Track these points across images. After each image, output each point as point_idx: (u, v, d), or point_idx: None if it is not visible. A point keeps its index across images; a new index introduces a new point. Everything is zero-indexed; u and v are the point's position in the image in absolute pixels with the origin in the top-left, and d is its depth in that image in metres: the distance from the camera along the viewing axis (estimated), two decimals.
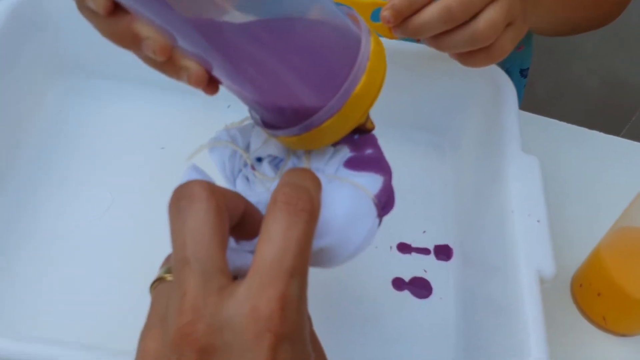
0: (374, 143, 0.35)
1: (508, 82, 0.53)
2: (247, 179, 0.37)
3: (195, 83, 0.31)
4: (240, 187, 0.36)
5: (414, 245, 0.52)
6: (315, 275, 0.51)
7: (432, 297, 0.49)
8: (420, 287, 0.49)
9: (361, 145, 0.34)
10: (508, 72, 0.70)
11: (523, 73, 0.73)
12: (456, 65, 0.54)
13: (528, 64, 0.74)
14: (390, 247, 0.51)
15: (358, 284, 0.49)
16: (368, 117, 0.34)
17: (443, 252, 0.52)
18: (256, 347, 0.23)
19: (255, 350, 0.23)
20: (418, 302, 0.49)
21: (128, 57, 0.57)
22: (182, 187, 0.26)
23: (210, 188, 0.25)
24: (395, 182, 0.43)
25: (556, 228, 0.48)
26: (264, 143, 0.37)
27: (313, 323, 0.29)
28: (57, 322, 0.45)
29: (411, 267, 0.51)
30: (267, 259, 0.24)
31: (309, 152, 0.35)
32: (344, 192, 0.31)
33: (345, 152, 0.34)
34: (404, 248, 0.52)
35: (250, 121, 0.38)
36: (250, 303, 0.23)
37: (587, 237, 0.52)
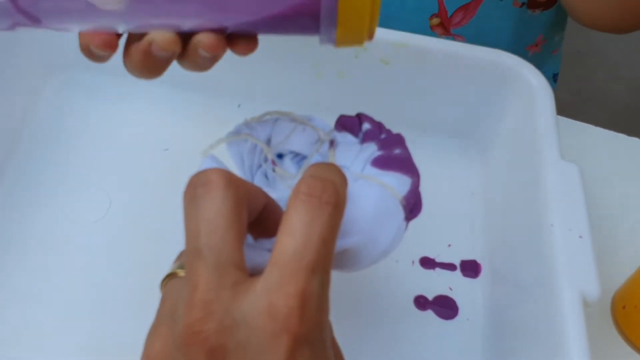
0: (402, 143, 0.33)
1: (544, 82, 0.48)
2: (267, 176, 0.35)
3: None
4: (259, 185, 0.34)
5: (438, 260, 0.47)
6: (331, 289, 0.46)
7: (458, 317, 0.45)
8: (445, 307, 0.45)
9: (389, 144, 0.32)
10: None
11: (555, 78, 0.69)
12: (486, 64, 0.49)
13: (559, 68, 0.70)
14: (413, 262, 0.47)
15: (377, 302, 0.45)
16: None
17: (470, 268, 0.47)
18: (272, 348, 0.21)
19: (270, 352, 0.21)
20: (443, 323, 0.44)
21: None
22: (198, 174, 0.24)
23: (229, 177, 0.24)
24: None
25: (596, 243, 0.43)
26: (287, 138, 0.34)
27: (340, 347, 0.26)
28: (49, 332, 0.41)
29: (435, 284, 0.46)
30: (287, 252, 0.22)
31: (334, 149, 0.33)
32: (372, 191, 0.29)
33: (373, 150, 0.32)
34: (427, 263, 0.47)
35: (271, 117, 0.35)
36: (267, 299, 0.21)
37: (630, 254, 0.47)
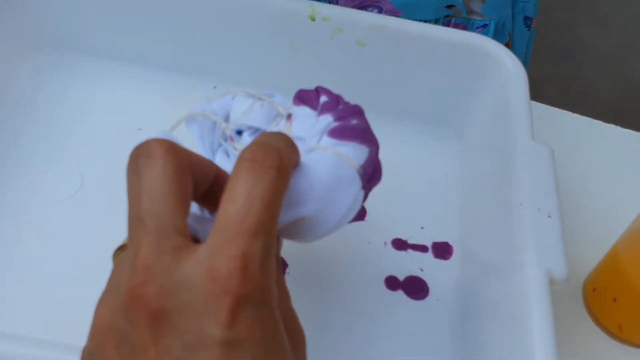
0: (360, 113, 0.32)
1: (518, 65, 0.48)
2: (228, 154, 0.35)
3: None
4: (220, 163, 0.34)
5: (410, 241, 0.47)
6: (300, 269, 0.46)
7: (428, 298, 0.45)
8: (415, 287, 0.45)
9: (346, 115, 0.32)
10: (512, 18, 0.62)
11: (527, 23, 0.64)
12: (463, 47, 0.49)
13: (533, 12, 0.64)
14: (385, 243, 0.47)
15: (348, 281, 0.45)
16: None
17: (442, 250, 0.47)
18: (213, 309, 0.20)
19: (212, 313, 0.20)
20: (413, 303, 0.44)
21: (108, 33, 0.54)
22: (140, 145, 0.24)
23: (170, 145, 0.24)
24: (392, 175, 0.39)
25: (568, 226, 0.43)
26: (244, 113, 0.34)
27: (298, 317, 0.26)
28: (16, 312, 0.40)
29: (407, 265, 0.46)
30: (229, 217, 0.22)
31: (290, 122, 0.33)
32: (326, 160, 0.29)
33: (330, 122, 0.32)
34: (399, 244, 0.47)
35: (230, 94, 0.36)
36: (208, 262, 0.21)
37: (602, 237, 0.47)
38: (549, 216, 0.39)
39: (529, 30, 0.66)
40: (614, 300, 0.43)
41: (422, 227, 0.48)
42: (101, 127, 0.50)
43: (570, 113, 0.58)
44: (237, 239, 0.21)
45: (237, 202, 0.22)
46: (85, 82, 0.53)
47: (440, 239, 0.48)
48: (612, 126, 0.57)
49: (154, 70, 0.53)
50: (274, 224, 0.23)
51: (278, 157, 0.24)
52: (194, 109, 0.35)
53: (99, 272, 0.42)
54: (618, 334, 0.44)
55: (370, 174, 0.31)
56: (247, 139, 0.34)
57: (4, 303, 0.41)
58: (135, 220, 0.23)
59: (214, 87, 0.53)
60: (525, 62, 0.68)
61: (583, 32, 1.64)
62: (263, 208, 0.22)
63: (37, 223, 0.44)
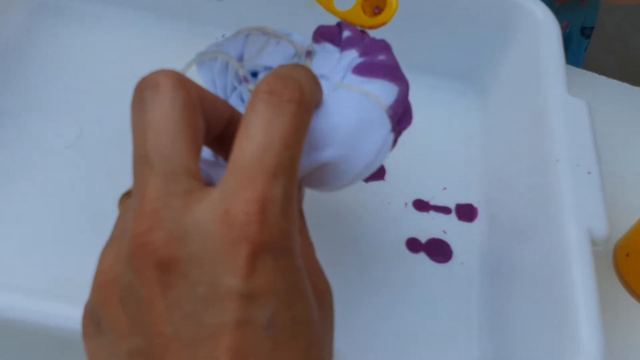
0: (387, 49, 0.29)
1: (550, 15, 0.45)
2: (242, 99, 0.32)
3: None
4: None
5: (432, 203, 0.44)
6: (316, 230, 0.43)
7: (452, 261, 0.42)
8: (438, 250, 0.42)
9: (373, 50, 0.29)
10: (569, 30, 0.61)
11: (585, 32, 0.64)
12: None
13: (593, 22, 0.64)
14: (406, 204, 0.44)
15: (367, 243, 0.42)
16: None
17: (466, 212, 0.44)
18: (229, 258, 0.18)
19: (228, 262, 0.18)
20: (435, 266, 0.42)
21: None
22: (146, 77, 0.21)
23: (178, 77, 0.21)
24: (412, 132, 0.37)
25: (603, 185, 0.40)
26: (259, 52, 0.30)
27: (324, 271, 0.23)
28: (15, 267, 0.37)
29: (429, 227, 0.43)
30: (245, 157, 0.19)
31: (310, 58, 0.30)
32: (353, 99, 0.26)
33: (354, 57, 0.29)
34: (421, 206, 0.44)
35: (243, 33, 0.32)
36: (222, 206, 0.18)
37: (634, 201, 0.45)
38: (589, 172, 0.37)
39: (587, 39, 0.64)
40: None
41: (445, 188, 0.45)
42: (99, 73, 0.46)
43: (597, 75, 0.55)
44: (254, 181, 0.19)
45: (254, 139, 0.20)
46: (80, 28, 0.49)
47: (464, 200, 0.45)
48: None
49: (157, 17, 0.50)
50: (295, 166, 0.20)
51: (299, 89, 0.21)
52: (205, 49, 0.32)
53: (101, 224, 0.38)
54: None
55: (401, 115, 0.28)
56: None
57: (3, 258, 0.38)
58: (140, 160, 0.20)
59: (222, 36, 0.49)
60: None
61: None
62: (283, 146, 0.20)
63: (34, 175, 0.41)
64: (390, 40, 0.48)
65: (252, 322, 0.18)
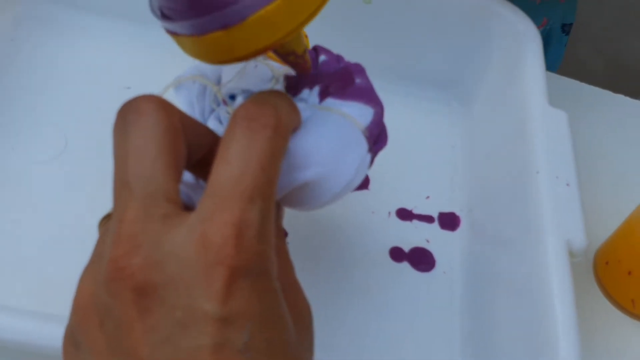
0: (362, 72, 0.30)
1: (531, 26, 0.46)
2: (220, 121, 0.32)
3: None
4: (213, 130, 0.31)
5: (415, 211, 0.45)
6: (301, 240, 0.44)
7: (434, 270, 0.42)
8: (421, 259, 0.43)
9: (348, 75, 0.30)
10: (549, 27, 0.62)
11: (565, 29, 0.65)
12: (468, 8, 0.47)
13: (572, 18, 0.65)
14: (389, 213, 0.44)
15: (351, 252, 0.42)
16: (303, 36, 0.27)
17: (449, 221, 0.45)
18: (206, 282, 0.18)
19: (204, 286, 0.18)
20: (418, 275, 0.42)
21: None
22: (129, 102, 0.22)
23: (161, 102, 0.21)
24: (396, 142, 0.37)
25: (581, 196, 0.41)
26: (238, 74, 0.31)
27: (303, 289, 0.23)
28: (1, 269, 0.37)
29: (412, 236, 0.44)
30: (222, 180, 0.20)
31: (287, 83, 0.30)
32: (330, 121, 0.27)
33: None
34: (404, 215, 0.45)
35: None
36: (199, 230, 0.19)
37: (615, 208, 0.45)
38: (568, 184, 0.37)
39: (567, 35, 0.65)
40: (629, 273, 0.41)
41: (428, 197, 0.46)
42: (86, 84, 0.47)
43: (579, 82, 0.56)
44: (231, 204, 0.19)
45: (231, 163, 0.20)
46: (66, 37, 0.49)
47: (446, 209, 0.45)
48: (621, 96, 0.55)
49: (143, 26, 0.49)
50: (271, 188, 0.20)
51: (275, 115, 0.22)
52: (182, 73, 0.32)
53: (84, 239, 0.39)
54: (631, 309, 0.42)
55: (376, 136, 0.29)
56: (240, 102, 0.31)
57: None
58: (120, 184, 0.20)
59: None
60: None
61: (577, 9, 1.62)
62: (259, 170, 0.20)
63: (18, 187, 0.41)
64: (374, 51, 0.49)
65: (229, 345, 0.18)
